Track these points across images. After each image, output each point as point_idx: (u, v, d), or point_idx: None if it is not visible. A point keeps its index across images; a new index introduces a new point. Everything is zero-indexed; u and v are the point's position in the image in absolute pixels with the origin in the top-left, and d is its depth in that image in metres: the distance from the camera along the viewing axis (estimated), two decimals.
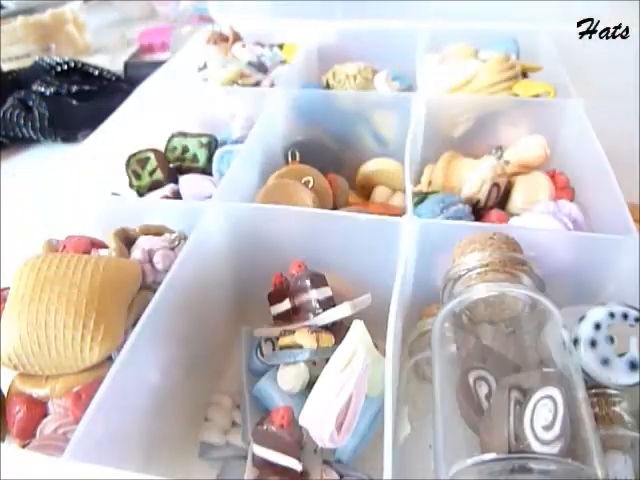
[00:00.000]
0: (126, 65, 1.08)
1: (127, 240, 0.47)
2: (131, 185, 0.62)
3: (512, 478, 0.31)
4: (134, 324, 0.39)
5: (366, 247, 0.49)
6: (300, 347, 0.43)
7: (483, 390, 0.36)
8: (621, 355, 0.37)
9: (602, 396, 0.38)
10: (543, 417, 0.31)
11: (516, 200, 0.57)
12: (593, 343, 0.37)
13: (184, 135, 0.66)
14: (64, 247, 0.45)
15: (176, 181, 0.62)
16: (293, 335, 0.44)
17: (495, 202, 0.57)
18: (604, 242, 0.45)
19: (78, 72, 0.98)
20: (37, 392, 0.39)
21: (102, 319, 0.38)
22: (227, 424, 0.47)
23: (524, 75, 0.70)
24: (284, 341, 0.45)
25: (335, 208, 0.60)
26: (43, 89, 0.92)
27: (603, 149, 0.53)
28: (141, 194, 0.62)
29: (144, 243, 0.46)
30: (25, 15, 1.13)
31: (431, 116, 0.65)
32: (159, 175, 0.62)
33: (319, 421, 0.37)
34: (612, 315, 0.38)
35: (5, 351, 0.38)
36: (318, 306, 0.45)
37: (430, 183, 0.62)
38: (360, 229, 0.48)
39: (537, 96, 0.65)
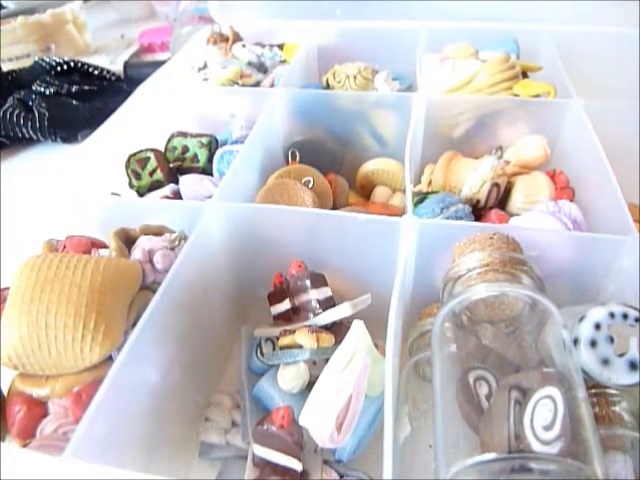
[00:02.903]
0: (126, 65, 1.08)
1: (127, 240, 0.47)
2: (131, 185, 0.62)
3: (512, 478, 0.31)
4: (134, 324, 0.39)
5: (366, 247, 0.49)
6: (300, 347, 0.43)
7: (483, 390, 0.36)
8: (621, 355, 0.37)
9: (602, 396, 0.38)
10: (543, 417, 0.31)
11: (516, 200, 0.57)
12: (593, 343, 0.37)
13: (184, 135, 0.66)
14: (64, 247, 0.45)
15: (176, 181, 0.62)
16: (293, 335, 0.44)
17: (495, 202, 0.57)
18: (604, 242, 0.45)
19: (78, 72, 0.98)
20: (37, 392, 0.39)
21: (102, 319, 0.38)
22: (227, 424, 0.47)
23: (524, 75, 0.70)
24: (284, 341, 0.45)
25: (335, 208, 0.60)
26: (43, 89, 0.92)
27: (603, 149, 0.53)
28: (141, 194, 0.62)
29: (144, 243, 0.46)
30: (25, 15, 1.13)
31: (431, 116, 0.65)
32: (159, 175, 0.62)
33: (319, 421, 0.37)
34: (612, 315, 0.38)
35: (5, 351, 0.38)
36: (318, 306, 0.45)
37: (430, 183, 0.62)
38: (360, 229, 0.48)
39: (537, 96, 0.65)
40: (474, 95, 0.67)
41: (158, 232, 0.48)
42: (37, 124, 0.88)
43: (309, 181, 0.58)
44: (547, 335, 0.38)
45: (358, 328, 0.41)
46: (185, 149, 0.65)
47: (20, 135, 0.89)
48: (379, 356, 0.42)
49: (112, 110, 0.65)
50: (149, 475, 0.31)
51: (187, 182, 0.60)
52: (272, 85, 0.76)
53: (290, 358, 0.43)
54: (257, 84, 0.78)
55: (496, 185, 0.56)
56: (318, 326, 0.45)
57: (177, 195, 0.60)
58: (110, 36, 1.31)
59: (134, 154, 0.62)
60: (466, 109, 0.66)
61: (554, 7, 0.81)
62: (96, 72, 1.00)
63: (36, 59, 0.98)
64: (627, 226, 0.45)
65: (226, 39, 0.85)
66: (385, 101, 0.68)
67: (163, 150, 0.65)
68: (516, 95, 0.66)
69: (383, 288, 0.44)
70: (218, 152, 0.63)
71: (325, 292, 0.46)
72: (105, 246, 0.47)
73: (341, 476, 0.42)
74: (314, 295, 0.45)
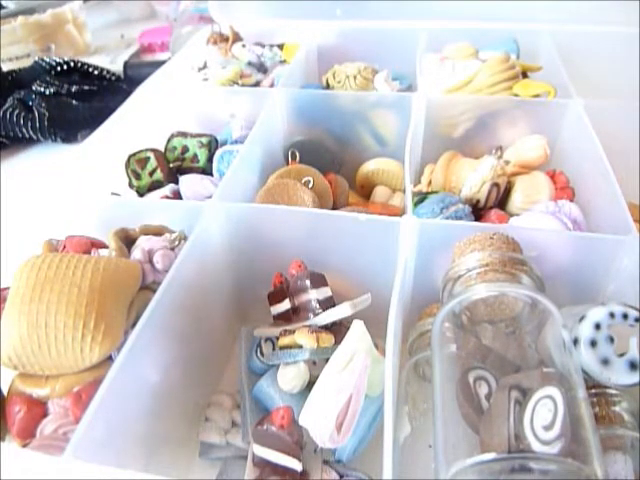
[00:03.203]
0: (126, 65, 1.08)
1: (127, 240, 0.47)
2: (131, 185, 0.62)
3: (512, 478, 0.31)
4: (134, 324, 0.39)
5: (366, 247, 0.49)
6: (300, 347, 0.43)
7: (483, 390, 0.36)
8: (621, 355, 0.37)
9: (602, 396, 0.38)
10: (543, 417, 0.31)
11: (516, 200, 0.57)
12: (593, 343, 0.37)
13: (184, 135, 0.66)
14: (64, 247, 0.45)
15: (176, 181, 0.62)
16: (293, 335, 0.44)
17: (495, 202, 0.57)
18: (604, 242, 0.45)
19: (78, 72, 0.98)
20: (37, 392, 0.39)
21: (102, 319, 0.38)
22: (227, 424, 0.47)
23: (524, 75, 0.70)
24: (284, 341, 0.45)
25: (335, 208, 0.60)
26: (43, 89, 0.92)
27: (603, 149, 0.53)
28: (141, 194, 0.62)
29: (144, 243, 0.46)
30: (25, 15, 1.13)
31: (431, 116, 0.65)
32: (159, 175, 0.62)
33: (319, 421, 0.37)
34: (612, 315, 0.38)
35: (5, 351, 0.38)
36: (318, 306, 0.45)
37: (430, 183, 0.62)
38: (360, 229, 0.48)
39: (537, 96, 0.65)
40: (474, 95, 0.67)
41: (158, 232, 0.48)
42: (37, 124, 0.88)
43: (309, 181, 0.58)
44: (547, 335, 0.38)
45: (358, 328, 0.41)
46: (185, 149, 0.65)
47: (20, 135, 0.89)
48: (379, 356, 0.42)
49: (112, 110, 0.65)
50: (149, 475, 0.31)
51: (187, 182, 0.60)
52: (272, 85, 0.76)
53: (290, 358, 0.43)
54: (257, 84, 0.78)
55: (496, 185, 0.56)
56: (318, 326, 0.45)
57: (177, 195, 0.60)
58: (110, 36, 1.31)
59: (134, 154, 0.62)
60: (466, 109, 0.66)
61: (554, 7, 0.81)
62: (96, 72, 1.00)
63: (36, 59, 0.98)
64: (627, 226, 0.45)
65: (226, 39, 0.85)
66: (385, 101, 0.68)
67: (163, 150, 0.65)
68: (516, 95, 0.66)
69: (383, 288, 0.44)
70: (218, 152, 0.63)
71: (325, 292, 0.46)
72: (105, 246, 0.47)
73: (341, 476, 0.42)
74: (314, 295, 0.45)
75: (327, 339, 0.42)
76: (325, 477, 0.41)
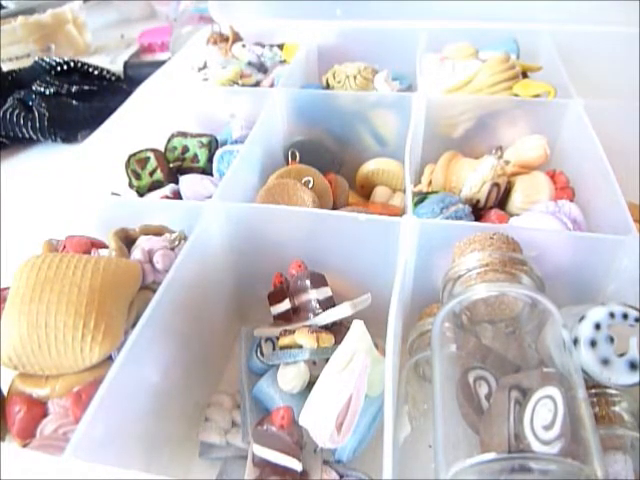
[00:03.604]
0: (126, 65, 1.08)
1: (127, 240, 0.47)
2: (131, 185, 0.62)
3: (512, 478, 0.31)
4: (134, 324, 0.39)
5: (366, 247, 0.49)
6: (300, 347, 0.43)
7: (483, 390, 0.36)
8: (621, 355, 0.37)
9: (602, 396, 0.38)
10: (543, 417, 0.31)
11: (516, 200, 0.57)
12: (593, 343, 0.37)
13: (184, 135, 0.66)
14: (64, 247, 0.45)
15: (176, 181, 0.62)
16: (293, 335, 0.44)
17: (495, 202, 0.57)
18: (604, 242, 0.45)
19: (78, 72, 0.98)
20: (37, 392, 0.39)
21: (102, 319, 0.38)
22: (227, 424, 0.47)
23: (524, 75, 0.70)
24: (284, 341, 0.45)
25: (335, 208, 0.60)
26: (43, 89, 0.92)
27: (603, 149, 0.53)
28: (141, 194, 0.62)
29: (144, 243, 0.46)
30: (25, 15, 1.13)
31: (431, 116, 0.65)
32: (159, 175, 0.62)
33: (319, 421, 0.37)
34: (612, 315, 0.38)
35: (5, 351, 0.38)
36: (318, 306, 0.45)
37: (430, 183, 0.62)
38: (360, 229, 0.48)
39: (537, 96, 0.65)
40: (474, 95, 0.67)
41: (158, 232, 0.48)
42: (37, 124, 0.88)
43: (309, 181, 0.58)
44: (547, 335, 0.38)
45: (358, 328, 0.41)
46: (185, 149, 0.65)
47: (20, 135, 0.89)
48: (379, 356, 0.42)
49: (112, 110, 0.65)
50: (149, 475, 0.31)
51: (187, 182, 0.60)
52: (272, 85, 0.76)
53: (290, 358, 0.43)
54: (257, 84, 0.78)
55: (496, 185, 0.56)
56: (318, 326, 0.45)
57: (177, 195, 0.60)
58: (110, 36, 1.31)
59: (134, 154, 0.62)
60: (466, 109, 0.66)
61: (554, 7, 0.81)
62: (96, 72, 1.00)
63: (36, 59, 0.98)
64: (627, 226, 0.45)
65: (226, 39, 0.85)
66: (385, 101, 0.68)
67: (163, 150, 0.65)
68: (516, 95, 0.66)
69: (383, 288, 0.44)
70: (218, 152, 0.63)
71: (325, 292, 0.46)
72: (105, 246, 0.47)
73: (341, 476, 0.42)
74: (314, 295, 0.45)
75: (327, 339, 0.42)
76: (325, 477, 0.41)
